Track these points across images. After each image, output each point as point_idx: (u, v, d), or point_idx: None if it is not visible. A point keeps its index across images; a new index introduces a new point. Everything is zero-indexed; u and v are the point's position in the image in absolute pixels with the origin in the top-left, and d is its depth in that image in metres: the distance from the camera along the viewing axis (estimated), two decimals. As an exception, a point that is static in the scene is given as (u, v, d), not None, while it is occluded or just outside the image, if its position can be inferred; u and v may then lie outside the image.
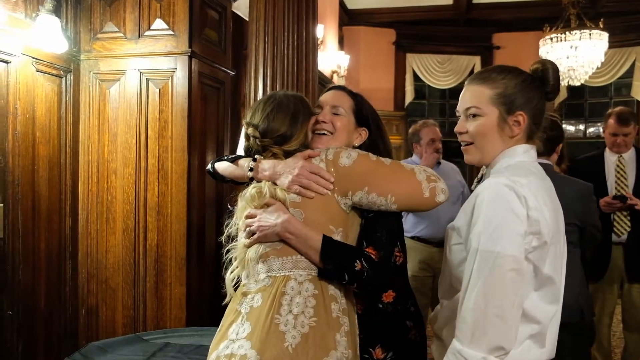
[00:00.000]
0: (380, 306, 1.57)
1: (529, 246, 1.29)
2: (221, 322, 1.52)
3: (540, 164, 2.45)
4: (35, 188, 2.68)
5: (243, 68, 4.50)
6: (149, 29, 2.88)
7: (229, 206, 1.67)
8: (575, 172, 2.99)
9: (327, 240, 1.45)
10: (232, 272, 1.57)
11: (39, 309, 2.73)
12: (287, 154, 1.56)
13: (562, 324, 2.32)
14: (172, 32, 2.85)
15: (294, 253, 1.46)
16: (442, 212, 3.15)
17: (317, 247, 1.43)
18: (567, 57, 5.99)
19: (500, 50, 8.24)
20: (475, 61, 8.27)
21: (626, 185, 3.29)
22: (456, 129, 1.48)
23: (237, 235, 1.60)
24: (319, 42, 4.57)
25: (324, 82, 5.42)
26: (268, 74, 2.82)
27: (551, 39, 6.01)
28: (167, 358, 2.15)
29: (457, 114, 1.50)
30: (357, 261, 1.45)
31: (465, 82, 1.51)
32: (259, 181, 1.56)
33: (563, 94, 7.79)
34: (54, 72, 2.80)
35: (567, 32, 5.93)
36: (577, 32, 5.86)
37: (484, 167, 1.54)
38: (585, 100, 8.37)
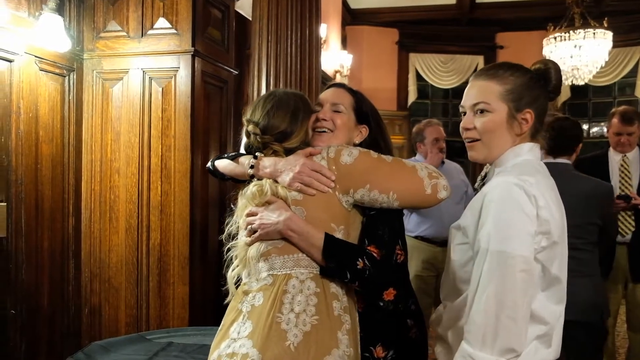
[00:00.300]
0: (381, 304, 1.56)
1: (538, 246, 1.27)
2: (222, 321, 1.52)
3: (561, 164, 2.49)
4: (38, 187, 2.68)
5: (246, 67, 4.51)
6: (152, 27, 2.88)
7: (230, 205, 1.67)
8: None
9: (329, 238, 1.44)
10: (233, 271, 1.56)
11: (42, 308, 2.73)
12: (288, 152, 1.55)
13: (582, 324, 2.34)
14: (175, 31, 2.84)
15: (296, 251, 1.46)
16: (445, 211, 3.16)
17: (319, 245, 1.43)
18: (571, 57, 5.97)
19: (504, 50, 8.22)
20: (479, 61, 8.26)
21: (630, 185, 3.28)
22: (463, 124, 1.45)
23: (237, 234, 1.59)
24: (322, 42, 4.56)
25: (327, 82, 5.41)
26: (271, 72, 2.82)
27: (555, 38, 6.00)
28: (170, 357, 2.14)
29: (461, 110, 1.48)
30: (359, 259, 1.44)
31: (471, 78, 1.49)
32: (259, 179, 1.55)
33: (566, 94, 7.77)
34: (57, 71, 2.80)
35: (571, 32, 5.91)
36: (581, 31, 5.85)
37: (487, 165, 1.53)
38: (589, 100, 8.35)
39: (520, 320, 1.22)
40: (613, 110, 3.43)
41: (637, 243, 3.21)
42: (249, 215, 1.52)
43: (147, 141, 2.87)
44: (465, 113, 1.46)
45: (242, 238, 1.54)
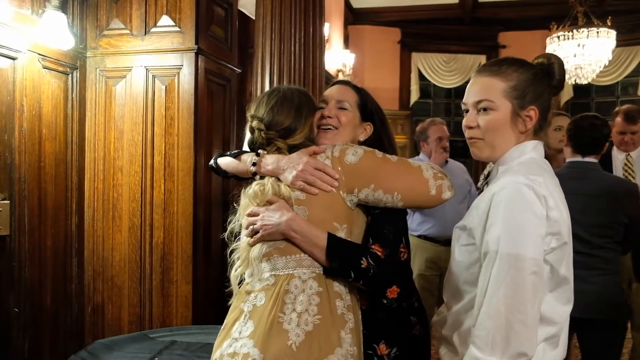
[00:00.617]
0: (385, 302, 1.56)
1: (548, 247, 1.25)
2: (225, 320, 1.51)
3: (590, 163, 2.48)
4: (41, 185, 2.68)
5: (249, 66, 4.50)
6: (155, 25, 2.88)
7: (233, 203, 1.66)
8: None
9: (332, 238, 1.43)
10: (236, 271, 1.55)
11: (45, 307, 2.72)
12: (291, 149, 1.54)
13: (611, 323, 2.34)
14: (179, 29, 2.84)
15: (298, 252, 1.44)
16: (448, 210, 3.16)
17: (323, 245, 1.42)
18: (575, 56, 5.96)
19: (506, 49, 8.19)
20: (481, 60, 8.23)
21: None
22: (465, 122, 1.41)
23: (240, 233, 1.58)
24: (324, 41, 4.55)
25: (330, 81, 5.40)
26: (275, 71, 2.80)
27: (558, 37, 5.98)
28: (173, 356, 2.14)
29: (464, 107, 1.44)
30: (363, 258, 1.44)
31: (473, 74, 1.45)
32: (262, 176, 1.54)
33: (569, 93, 7.75)
34: (60, 68, 2.79)
35: (574, 30, 5.90)
36: (585, 30, 5.84)
37: (490, 163, 1.50)
38: (592, 100, 8.33)
39: (531, 323, 1.20)
40: (617, 109, 3.42)
41: (640, 242, 3.20)
42: (250, 215, 1.51)
43: (151, 139, 2.86)
44: (467, 110, 1.42)
45: (244, 238, 1.53)
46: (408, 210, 1.81)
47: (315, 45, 2.88)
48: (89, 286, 2.97)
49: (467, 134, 1.43)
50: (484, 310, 1.23)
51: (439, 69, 8.37)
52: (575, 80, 6.25)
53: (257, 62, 2.87)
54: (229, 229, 1.60)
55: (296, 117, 1.54)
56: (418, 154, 3.68)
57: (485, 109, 1.37)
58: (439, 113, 8.74)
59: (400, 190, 1.47)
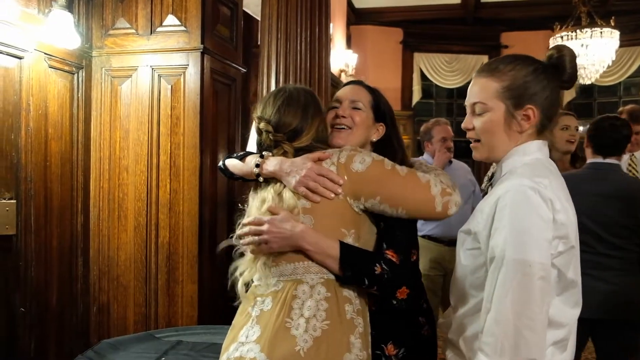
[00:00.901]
0: (395, 303, 1.53)
1: (555, 251, 1.23)
2: (233, 322, 1.50)
3: (612, 164, 2.47)
4: (47, 184, 2.67)
5: (253, 66, 4.50)
6: (161, 25, 2.87)
7: (240, 205, 1.64)
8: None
9: (344, 247, 1.41)
10: (242, 276, 1.52)
11: (51, 306, 2.72)
12: (298, 151, 1.51)
13: (633, 324, 2.33)
14: (185, 28, 2.83)
15: (305, 259, 1.42)
16: (452, 210, 3.15)
17: (336, 255, 1.39)
18: (578, 56, 5.93)
19: (509, 50, 8.19)
20: (483, 60, 8.21)
21: (639, 184, 3.26)
22: (463, 124, 1.41)
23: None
24: (328, 40, 4.54)
25: (333, 81, 5.40)
26: (281, 70, 2.81)
27: (561, 37, 5.98)
28: (179, 356, 2.14)
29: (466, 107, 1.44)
30: (377, 265, 1.42)
31: (474, 74, 1.43)
32: (265, 178, 1.52)
33: (572, 94, 7.75)
34: (66, 68, 2.79)
35: (577, 31, 5.90)
36: (588, 30, 5.83)
37: (494, 164, 1.49)
38: (594, 100, 8.32)
39: (540, 329, 1.18)
40: (620, 109, 3.43)
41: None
42: (254, 224, 1.47)
43: (156, 139, 2.86)
44: None
45: (250, 255, 1.50)
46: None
47: (321, 45, 2.89)
48: (94, 286, 2.96)
49: (467, 135, 1.43)
50: (492, 316, 1.21)
51: (441, 69, 8.37)
52: (579, 80, 6.24)
53: (262, 61, 2.88)
54: (237, 231, 1.58)
55: (303, 117, 1.52)
56: (421, 154, 3.68)
57: (479, 111, 1.37)
58: (441, 113, 8.74)
59: (405, 206, 1.44)
